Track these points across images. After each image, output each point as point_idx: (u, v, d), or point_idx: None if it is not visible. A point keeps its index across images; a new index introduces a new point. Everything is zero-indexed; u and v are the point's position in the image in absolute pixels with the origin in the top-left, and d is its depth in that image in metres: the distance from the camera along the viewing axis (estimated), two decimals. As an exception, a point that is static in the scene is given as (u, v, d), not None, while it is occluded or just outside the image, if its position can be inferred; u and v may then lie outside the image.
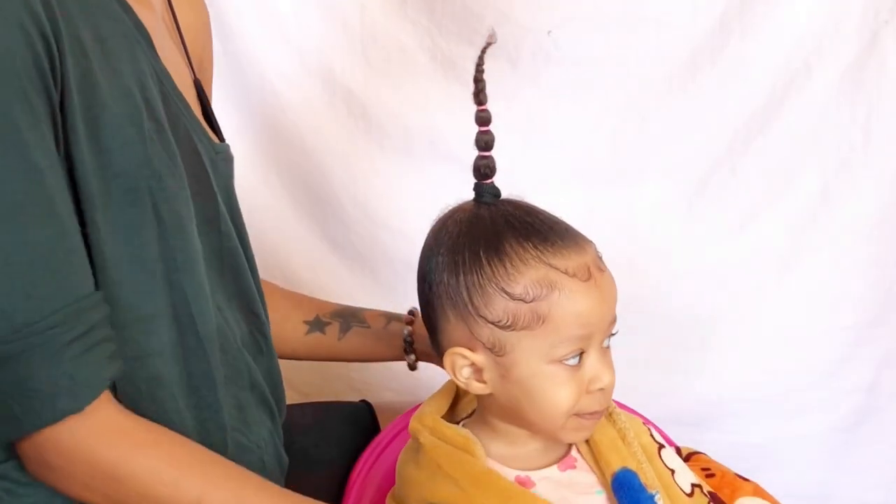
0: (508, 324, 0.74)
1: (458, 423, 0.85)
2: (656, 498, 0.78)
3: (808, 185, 1.41)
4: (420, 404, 0.87)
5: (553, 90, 1.38)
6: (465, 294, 0.76)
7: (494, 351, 0.76)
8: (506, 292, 0.74)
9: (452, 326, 0.78)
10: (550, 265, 0.74)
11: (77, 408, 0.67)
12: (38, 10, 0.64)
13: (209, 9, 1.04)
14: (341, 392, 1.43)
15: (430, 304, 0.79)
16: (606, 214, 1.39)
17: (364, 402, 1.15)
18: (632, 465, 0.80)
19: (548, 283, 0.74)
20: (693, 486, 0.83)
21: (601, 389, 0.76)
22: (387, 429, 1.03)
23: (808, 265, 1.43)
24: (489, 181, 0.79)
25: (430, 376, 1.10)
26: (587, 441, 0.82)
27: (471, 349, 0.77)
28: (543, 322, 0.74)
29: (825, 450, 1.49)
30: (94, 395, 0.68)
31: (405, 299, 1.27)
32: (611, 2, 1.36)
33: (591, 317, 0.75)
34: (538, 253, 0.74)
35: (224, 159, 0.90)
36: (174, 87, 0.81)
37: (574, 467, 0.81)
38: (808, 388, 1.46)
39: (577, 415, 0.77)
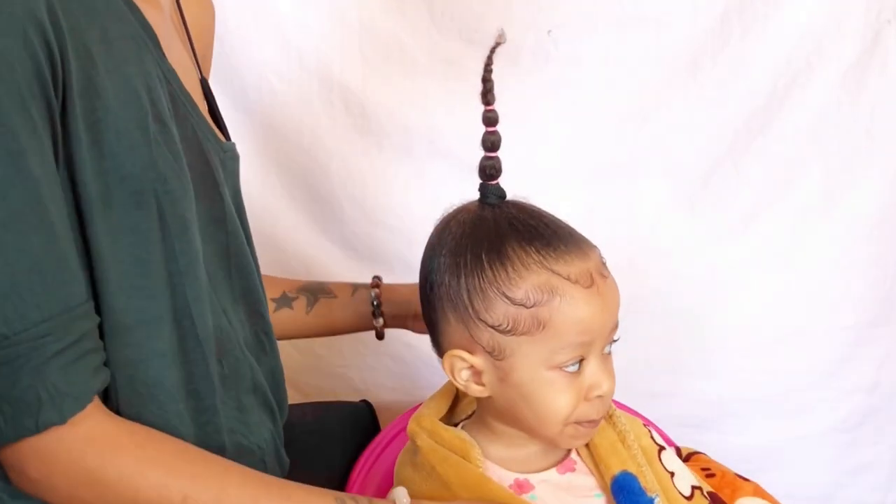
0: (508, 328, 0.74)
1: (457, 424, 0.85)
2: (656, 501, 0.78)
3: (809, 184, 1.40)
4: (420, 404, 0.87)
5: (553, 90, 1.38)
6: (465, 297, 0.75)
7: (494, 355, 0.75)
8: (507, 297, 0.74)
9: (452, 328, 0.77)
10: (553, 271, 0.74)
11: (60, 420, 0.67)
12: (43, 17, 0.64)
13: (209, 7, 1.04)
14: (341, 392, 1.43)
15: (430, 304, 0.79)
16: (607, 214, 1.39)
17: (364, 402, 1.15)
18: (632, 468, 0.79)
19: (549, 289, 0.73)
20: (693, 488, 0.83)
21: (600, 397, 0.76)
22: (387, 429, 1.03)
23: (808, 265, 1.43)
24: (494, 182, 0.79)
25: (431, 377, 1.10)
26: (587, 444, 0.82)
27: (470, 352, 0.77)
28: (544, 328, 0.73)
29: (826, 450, 1.49)
30: (79, 408, 0.68)
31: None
32: (611, 1, 1.35)
33: (593, 324, 0.74)
34: (541, 258, 0.74)
35: (231, 158, 0.90)
36: (181, 87, 0.80)
37: (573, 470, 0.81)
38: (809, 389, 1.46)
39: (576, 422, 0.77)
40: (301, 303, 1.07)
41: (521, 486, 0.79)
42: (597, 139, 1.41)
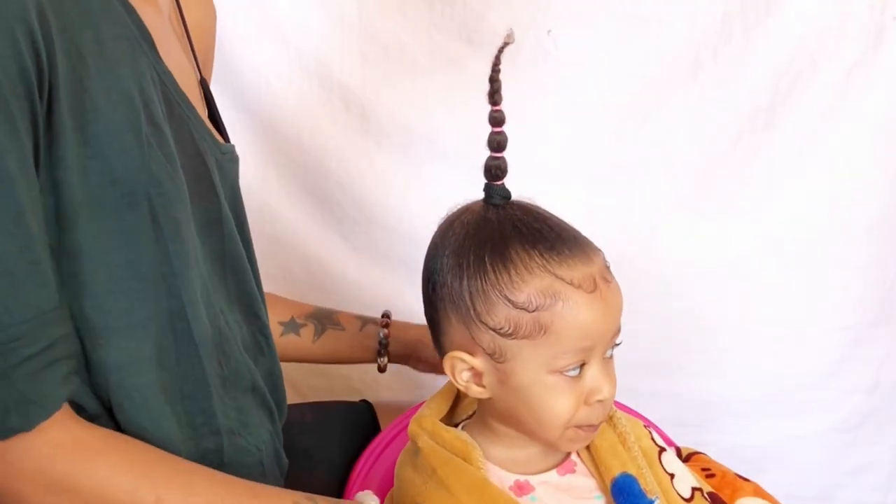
0: (510, 332, 0.74)
1: (458, 424, 0.85)
2: (656, 503, 0.78)
3: (810, 184, 1.40)
4: (420, 404, 0.87)
5: (553, 90, 1.38)
6: (467, 298, 0.75)
7: (494, 357, 0.75)
8: (509, 300, 0.73)
9: (454, 329, 0.77)
10: (555, 275, 0.73)
11: (27, 427, 0.66)
12: (32, 18, 0.63)
13: (208, 7, 1.04)
14: (341, 392, 1.43)
15: (432, 304, 0.79)
16: (607, 214, 1.39)
17: (364, 402, 1.15)
18: (632, 470, 0.79)
19: (552, 294, 0.73)
20: (693, 489, 0.82)
21: (600, 401, 0.76)
22: (387, 429, 1.03)
23: (808, 265, 1.43)
24: (500, 182, 0.78)
25: (431, 377, 1.10)
26: (587, 446, 0.81)
27: (471, 353, 0.77)
28: (545, 332, 0.73)
29: (826, 450, 1.49)
30: (46, 415, 0.67)
31: (402, 298, 1.27)
32: (611, 0, 1.35)
33: (594, 329, 0.74)
34: (544, 262, 0.73)
35: (230, 160, 0.89)
36: (177, 89, 0.80)
37: (573, 472, 0.81)
38: (809, 389, 1.46)
39: (576, 426, 0.76)
40: (308, 331, 1.07)
41: (522, 488, 0.79)
42: (597, 139, 1.40)
